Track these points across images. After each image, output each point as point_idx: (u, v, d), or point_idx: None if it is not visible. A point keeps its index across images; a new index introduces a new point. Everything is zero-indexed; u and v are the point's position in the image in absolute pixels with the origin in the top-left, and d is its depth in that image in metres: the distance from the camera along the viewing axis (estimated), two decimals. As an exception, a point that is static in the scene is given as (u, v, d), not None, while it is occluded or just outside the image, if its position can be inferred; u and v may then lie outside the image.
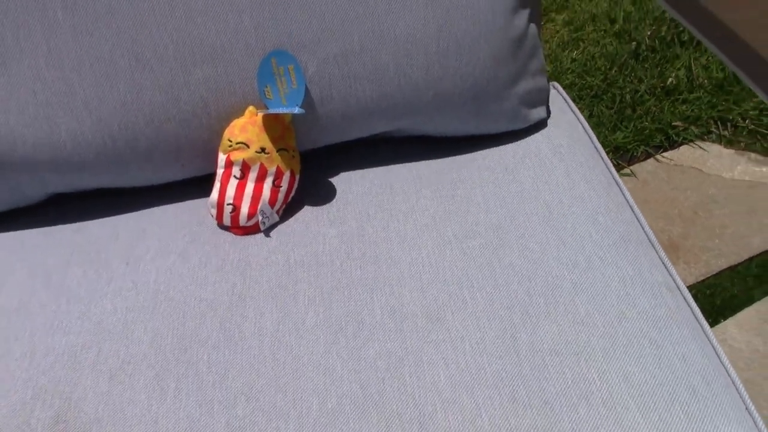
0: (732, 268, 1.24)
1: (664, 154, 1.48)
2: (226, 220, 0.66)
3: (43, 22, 0.61)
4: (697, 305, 0.61)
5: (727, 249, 1.27)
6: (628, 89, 1.62)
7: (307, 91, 0.65)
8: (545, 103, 0.77)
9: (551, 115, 0.79)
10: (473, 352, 0.55)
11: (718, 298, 1.19)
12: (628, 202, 0.69)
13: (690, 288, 1.20)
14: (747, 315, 1.16)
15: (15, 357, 0.58)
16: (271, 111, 0.64)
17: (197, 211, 0.69)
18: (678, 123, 1.53)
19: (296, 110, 0.62)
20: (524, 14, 0.70)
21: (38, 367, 0.57)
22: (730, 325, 1.15)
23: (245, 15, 0.62)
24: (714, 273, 1.23)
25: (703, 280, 1.22)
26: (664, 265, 0.63)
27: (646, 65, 1.69)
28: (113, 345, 0.58)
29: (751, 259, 1.25)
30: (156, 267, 0.64)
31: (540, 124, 0.77)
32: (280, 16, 0.62)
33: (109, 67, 0.62)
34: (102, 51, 0.62)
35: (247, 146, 0.64)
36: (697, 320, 0.59)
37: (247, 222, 0.66)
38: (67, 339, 0.59)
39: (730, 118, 1.52)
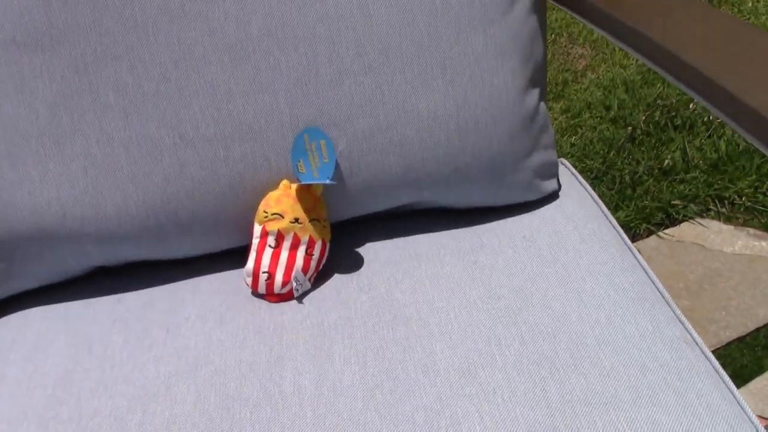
0: (740, 339, 1.26)
1: (666, 231, 1.53)
2: (261, 288, 0.70)
3: (95, 105, 0.66)
4: (715, 360, 0.63)
5: (734, 320, 1.30)
6: (627, 170, 1.69)
7: (337, 164, 0.69)
8: (556, 175, 0.82)
9: (562, 188, 0.84)
10: (506, 405, 0.58)
11: (728, 368, 1.21)
12: (640, 263, 0.72)
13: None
14: (759, 384, 1.17)
15: (63, 420, 0.60)
16: (304, 182, 0.68)
17: (232, 281, 0.73)
18: (677, 201, 1.59)
19: (327, 181, 0.67)
20: (535, 93, 0.75)
21: (85, 429, 0.59)
22: (742, 394, 1.17)
23: (280, 96, 0.67)
24: (723, 344, 1.26)
25: (713, 351, 1.24)
26: (680, 321, 0.66)
27: (642, 148, 1.77)
28: (158, 406, 0.60)
29: (758, 329, 1.27)
30: (195, 333, 0.67)
31: (552, 195, 0.82)
32: (312, 96, 0.68)
33: (154, 144, 0.67)
34: (149, 130, 0.67)
35: (282, 217, 0.68)
36: (717, 372, 0.62)
37: (281, 289, 0.69)
38: (112, 402, 0.61)
39: (727, 195, 1.58)
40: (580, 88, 2.03)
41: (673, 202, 1.59)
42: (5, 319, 0.74)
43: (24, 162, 0.66)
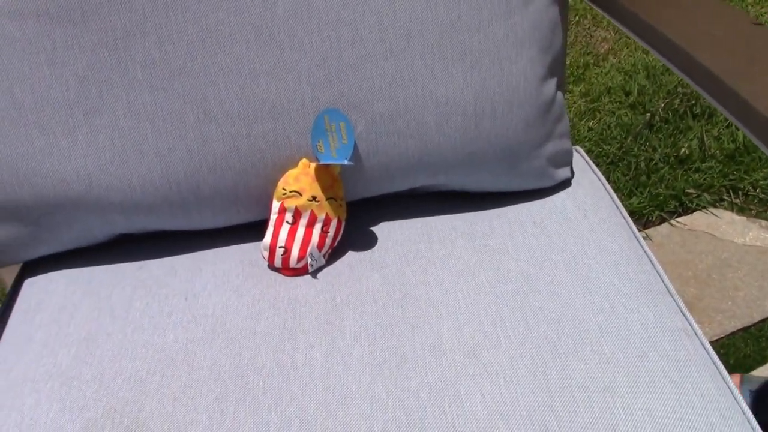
0: (745, 329, 1.28)
1: (678, 219, 1.54)
2: (277, 262, 0.72)
3: (123, 79, 0.68)
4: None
5: (740, 311, 1.31)
6: (642, 157, 1.69)
7: (355, 146, 0.71)
8: (569, 164, 0.84)
9: (575, 176, 0.85)
10: (507, 386, 0.60)
11: (731, 357, 1.23)
12: (647, 254, 0.74)
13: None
14: (760, 373, 1.19)
15: (85, 379, 0.63)
16: (323, 162, 0.70)
17: (250, 253, 0.75)
18: (691, 190, 1.60)
19: (345, 162, 0.69)
20: (552, 82, 0.77)
21: (107, 389, 0.62)
22: (744, 384, 1.19)
23: (303, 77, 0.69)
24: (728, 333, 1.27)
25: (717, 340, 1.26)
26: (683, 313, 0.68)
27: (660, 135, 1.77)
28: (176, 371, 0.63)
29: (763, 320, 1.29)
30: (213, 302, 0.70)
31: (565, 183, 0.83)
32: (334, 78, 0.70)
33: (179, 119, 0.69)
34: (174, 105, 0.69)
35: (300, 194, 0.71)
36: (714, 363, 0.64)
37: (296, 264, 0.72)
38: (133, 364, 0.64)
39: (741, 186, 1.59)
40: (601, 71, 2.03)
41: (687, 191, 1.60)
42: (32, 280, 0.77)
43: (53, 131, 0.69)
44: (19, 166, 0.69)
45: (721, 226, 1.50)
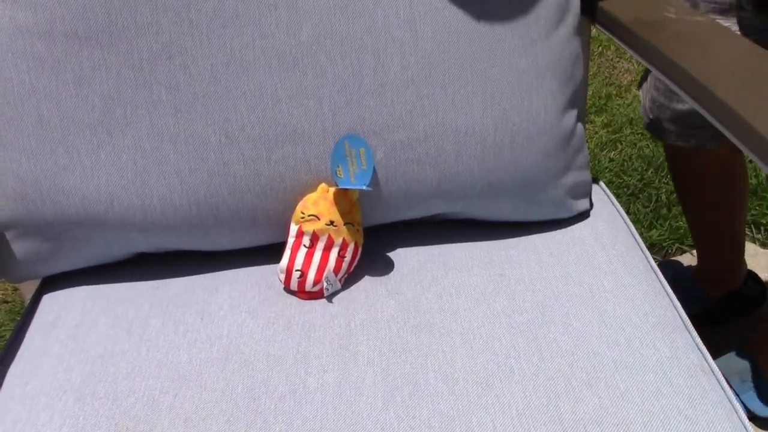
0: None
1: (699, 252, 1.52)
2: (293, 285, 0.73)
3: (148, 101, 0.69)
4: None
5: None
6: (664, 190, 1.68)
7: (374, 172, 0.72)
8: (588, 195, 0.84)
9: (593, 207, 0.85)
10: (520, 418, 0.60)
11: (751, 395, 1.21)
12: (665, 288, 0.74)
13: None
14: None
15: (99, 396, 0.64)
16: (342, 187, 0.71)
17: (266, 275, 0.76)
18: (712, 224, 1.58)
19: (364, 188, 0.69)
20: (573, 114, 0.77)
21: (120, 407, 0.63)
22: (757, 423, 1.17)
23: (324, 102, 0.70)
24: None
25: (736, 377, 1.24)
26: (699, 349, 0.67)
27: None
28: (188, 391, 0.64)
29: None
30: (228, 323, 0.70)
31: (583, 215, 0.83)
32: (355, 104, 0.70)
33: (201, 141, 0.70)
34: (196, 127, 0.70)
35: (318, 218, 0.71)
36: (730, 402, 0.63)
37: (312, 287, 0.72)
38: (146, 383, 0.65)
39: (764, 222, 1.57)
40: (624, 103, 2.03)
41: (708, 224, 1.59)
42: (50, 295, 0.78)
43: (77, 150, 0.70)
44: (43, 183, 0.71)
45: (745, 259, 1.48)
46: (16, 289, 1.51)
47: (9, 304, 1.48)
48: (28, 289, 0.89)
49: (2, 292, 1.51)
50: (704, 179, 1.17)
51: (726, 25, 0.92)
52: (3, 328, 1.42)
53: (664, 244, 1.55)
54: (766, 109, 0.55)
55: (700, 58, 0.64)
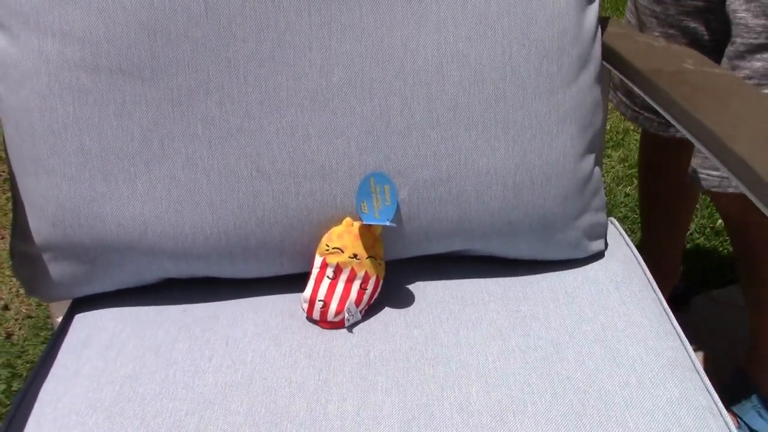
0: (775, 408, 1.27)
1: (714, 291, 1.54)
2: (316, 315, 0.75)
3: (184, 134, 0.73)
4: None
5: (771, 389, 1.30)
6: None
7: (398, 208, 0.75)
8: (604, 236, 0.86)
9: (608, 247, 0.88)
10: (532, 452, 0.62)
11: (761, 435, 1.22)
12: (676, 330, 0.76)
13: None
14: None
15: (128, 416, 0.67)
16: (366, 222, 0.74)
17: (289, 304, 0.79)
18: (726, 262, 1.59)
19: (387, 223, 0.72)
20: (591, 158, 0.80)
21: (148, 427, 0.65)
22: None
23: (352, 141, 0.73)
24: None
25: (746, 418, 1.25)
26: (708, 391, 0.69)
27: (696, 206, 1.78)
28: (213, 414, 0.66)
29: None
30: (252, 349, 0.73)
31: (598, 255, 0.85)
32: (381, 144, 0.73)
33: (233, 174, 0.73)
34: (229, 161, 0.73)
35: (342, 251, 0.74)
36: (737, 444, 0.65)
37: (334, 318, 0.75)
38: (173, 404, 0.67)
39: None
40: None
41: (722, 263, 1.60)
42: (81, 316, 0.81)
43: (115, 179, 0.73)
44: (81, 209, 0.74)
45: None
46: (39, 305, 1.55)
47: (33, 319, 1.52)
48: (56, 305, 0.92)
49: (26, 307, 1.55)
50: (669, 172, 1.26)
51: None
52: (26, 342, 1.46)
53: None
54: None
55: (719, 113, 0.66)
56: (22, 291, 1.59)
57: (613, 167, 1.94)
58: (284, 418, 0.66)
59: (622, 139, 2.06)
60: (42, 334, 1.47)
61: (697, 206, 1.78)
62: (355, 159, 0.73)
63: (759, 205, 0.59)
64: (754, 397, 1.21)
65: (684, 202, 1.31)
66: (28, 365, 1.40)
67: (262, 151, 0.73)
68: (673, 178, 1.26)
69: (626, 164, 1.94)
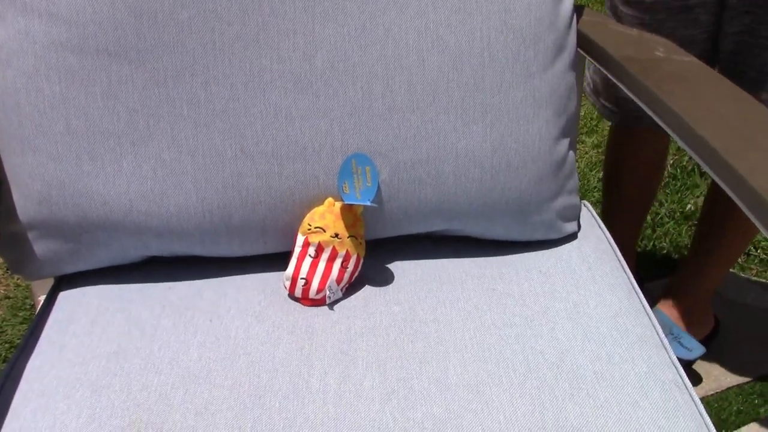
0: (740, 386, 1.32)
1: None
2: (298, 292, 0.77)
3: (170, 115, 0.74)
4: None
5: (737, 369, 1.35)
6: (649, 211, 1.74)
7: (378, 189, 0.77)
8: (577, 218, 0.89)
9: (581, 229, 0.91)
10: (507, 423, 0.65)
11: (724, 412, 1.27)
12: (645, 309, 0.79)
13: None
14: (750, 429, 1.23)
15: (114, 390, 0.68)
16: (348, 202, 0.76)
17: (272, 282, 0.81)
18: (695, 247, 1.63)
19: (368, 203, 0.74)
20: (565, 142, 0.82)
21: (134, 400, 0.67)
22: (734, 439, 1.22)
23: (335, 123, 0.75)
24: (722, 389, 1.31)
25: (712, 395, 1.30)
26: (675, 366, 0.72)
27: (667, 191, 1.82)
28: (198, 387, 0.68)
29: (758, 379, 1.32)
30: (235, 325, 0.75)
31: (572, 236, 0.88)
32: (363, 126, 0.75)
33: (218, 155, 0.75)
34: (214, 141, 0.75)
35: (324, 231, 0.76)
36: (701, 415, 0.68)
37: (316, 295, 0.77)
38: (159, 378, 0.69)
39: (744, 247, 1.62)
40: (614, 125, 2.08)
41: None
42: (66, 294, 0.82)
43: (102, 158, 0.74)
44: (67, 186, 0.75)
45: (724, 284, 1.54)
46: (18, 285, 1.55)
47: (11, 299, 1.52)
48: (38, 286, 0.93)
49: (4, 288, 1.55)
50: (637, 164, 1.31)
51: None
52: (5, 323, 1.46)
53: (647, 265, 1.61)
54: (747, 151, 0.60)
55: (688, 99, 0.69)
56: (0, 272, 1.59)
57: (586, 153, 1.98)
58: (268, 392, 0.68)
59: (596, 125, 2.10)
60: (20, 314, 1.48)
61: (667, 191, 1.82)
62: (338, 140, 0.75)
63: (723, 185, 0.61)
64: (673, 329, 1.31)
65: (649, 186, 1.35)
66: (7, 345, 1.40)
67: (247, 132, 0.75)
68: (642, 160, 1.30)
69: (599, 150, 1.98)
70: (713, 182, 1.27)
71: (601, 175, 1.88)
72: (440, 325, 0.74)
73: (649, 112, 0.72)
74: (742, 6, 1.00)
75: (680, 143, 0.68)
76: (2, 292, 1.54)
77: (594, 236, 0.89)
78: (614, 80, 0.79)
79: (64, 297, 0.82)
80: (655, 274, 1.57)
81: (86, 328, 0.76)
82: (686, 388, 0.71)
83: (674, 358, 0.74)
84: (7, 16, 0.71)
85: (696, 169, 1.87)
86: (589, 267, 0.83)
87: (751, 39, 1.01)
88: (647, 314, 0.79)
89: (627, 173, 1.33)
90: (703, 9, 1.04)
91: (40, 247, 0.79)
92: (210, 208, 0.76)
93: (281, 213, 0.77)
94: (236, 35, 0.73)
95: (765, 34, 1.00)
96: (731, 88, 0.72)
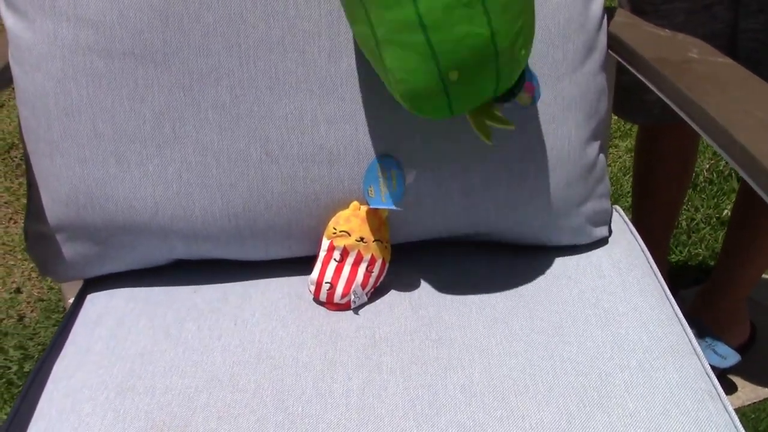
0: (777, 397, 1.28)
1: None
2: (322, 297, 0.77)
3: (196, 118, 0.74)
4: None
5: (773, 378, 1.31)
6: (684, 216, 1.71)
7: (404, 193, 0.76)
8: (608, 223, 0.87)
9: (612, 234, 0.89)
10: (533, 431, 0.63)
11: (762, 424, 1.23)
12: (677, 316, 0.77)
13: (735, 410, 1.24)
14: (789, 443, 1.19)
15: (139, 392, 0.68)
16: (373, 206, 0.75)
17: (297, 286, 0.80)
18: (731, 253, 1.60)
19: (393, 207, 0.74)
20: (595, 145, 0.81)
21: (158, 403, 0.67)
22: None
23: (360, 127, 0.74)
24: (760, 399, 1.28)
25: (749, 405, 1.27)
26: (708, 375, 0.70)
27: (703, 196, 1.78)
28: (221, 391, 0.68)
29: (796, 390, 1.29)
30: (260, 329, 0.74)
31: (602, 241, 0.87)
32: (388, 131, 0.75)
33: (243, 158, 0.75)
34: (239, 145, 0.74)
35: (349, 235, 0.75)
36: (735, 427, 0.66)
37: (340, 300, 0.76)
38: (182, 381, 0.69)
39: None
40: (649, 129, 2.05)
41: (727, 254, 1.61)
42: (93, 296, 0.83)
43: (128, 161, 0.75)
44: (93, 191, 0.76)
45: (761, 290, 1.50)
46: (51, 288, 1.57)
47: (45, 302, 1.54)
48: (68, 288, 0.94)
49: (38, 290, 1.57)
50: (665, 161, 1.28)
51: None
52: (38, 325, 1.48)
53: (683, 271, 1.58)
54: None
55: (720, 101, 0.67)
56: (34, 275, 1.61)
57: (620, 157, 1.95)
58: (291, 396, 0.67)
59: (630, 129, 2.06)
60: (53, 316, 1.49)
61: (703, 196, 1.78)
62: (363, 145, 0.75)
63: (759, 192, 0.60)
64: (707, 338, 1.27)
65: (679, 192, 1.33)
66: (39, 347, 1.42)
67: (272, 135, 0.74)
68: (671, 166, 1.27)
69: (633, 154, 1.94)
70: (742, 186, 1.25)
71: (632, 181, 1.85)
72: (465, 331, 0.73)
73: (683, 116, 0.70)
74: (755, 4, 0.98)
75: (716, 148, 0.66)
76: (36, 294, 1.56)
77: (625, 241, 0.87)
78: (646, 82, 0.77)
79: (91, 299, 0.83)
80: (691, 281, 1.54)
81: (112, 331, 0.77)
82: (719, 398, 0.69)
83: (707, 366, 0.72)
84: (36, 19, 0.72)
85: (733, 174, 1.83)
86: (620, 272, 0.81)
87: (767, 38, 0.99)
88: (680, 322, 0.77)
89: (656, 175, 1.30)
90: (721, 6, 1.01)
91: (68, 249, 0.80)
92: (235, 212, 0.76)
93: (306, 217, 0.77)
94: (261, 38, 0.73)
95: None
96: (762, 86, 0.70)
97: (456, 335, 0.73)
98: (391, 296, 0.78)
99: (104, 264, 0.82)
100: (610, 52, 0.84)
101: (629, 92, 1.14)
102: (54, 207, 0.77)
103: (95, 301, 0.82)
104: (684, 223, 1.69)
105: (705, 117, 0.67)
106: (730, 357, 1.25)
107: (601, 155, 0.83)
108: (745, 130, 0.63)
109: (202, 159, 0.75)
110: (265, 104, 0.74)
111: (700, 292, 1.33)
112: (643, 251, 0.87)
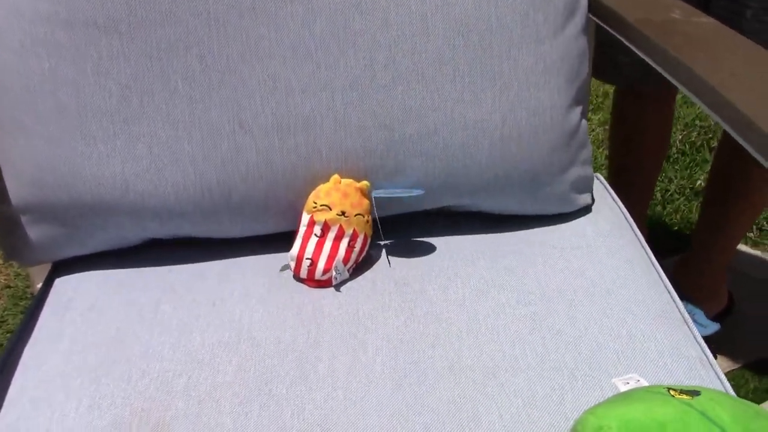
0: (755, 364, 1.29)
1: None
2: (303, 273, 0.74)
3: (164, 90, 0.70)
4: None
5: (752, 347, 1.32)
6: (659, 188, 1.70)
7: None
8: (590, 190, 0.86)
9: (595, 202, 0.87)
10: (524, 407, 0.61)
11: (740, 390, 1.24)
12: (664, 283, 0.76)
13: (715, 379, 1.25)
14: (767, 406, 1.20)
15: (114, 378, 0.65)
16: (382, 193, 0.73)
17: (276, 263, 0.77)
18: (707, 222, 1.60)
19: (414, 192, 0.73)
20: (577, 110, 0.79)
21: (135, 388, 0.64)
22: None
23: (337, 94, 0.72)
24: (738, 366, 1.28)
25: (728, 373, 1.27)
26: (698, 342, 0.69)
27: (676, 167, 1.78)
28: (202, 373, 0.65)
29: (774, 355, 1.30)
30: (240, 309, 0.72)
31: (585, 209, 0.85)
32: (366, 98, 0.72)
33: (215, 130, 0.71)
34: (211, 116, 0.71)
35: (330, 209, 0.73)
36: (727, 392, 0.65)
37: (321, 276, 0.74)
38: (160, 365, 0.66)
39: (756, 221, 1.59)
40: (621, 100, 2.04)
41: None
42: (63, 279, 0.80)
43: (94, 137, 0.71)
44: (59, 169, 0.72)
45: (736, 258, 1.51)
46: (18, 274, 1.52)
47: (12, 289, 1.49)
48: (36, 272, 0.90)
49: (5, 277, 1.52)
50: (645, 133, 1.27)
51: None
52: (6, 312, 1.43)
53: (659, 242, 1.58)
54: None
55: (708, 61, 0.65)
56: (-1, 261, 1.56)
57: (593, 130, 1.94)
58: (274, 377, 0.65)
59: (602, 102, 2.05)
60: (21, 303, 1.45)
61: (677, 167, 1.78)
62: (340, 113, 0.72)
63: (749, 149, 0.58)
64: (687, 306, 1.27)
65: (656, 163, 1.32)
66: (8, 335, 1.38)
67: (244, 105, 0.71)
68: (650, 138, 1.27)
69: (606, 127, 1.94)
70: (714, 163, 1.25)
71: (608, 153, 1.84)
72: (452, 305, 0.71)
73: (669, 77, 0.69)
74: None
75: (704, 108, 0.64)
76: (3, 281, 1.51)
77: (608, 209, 0.86)
78: (628, 44, 0.75)
79: (61, 283, 0.79)
80: (667, 251, 1.54)
81: (84, 315, 0.73)
82: (710, 365, 0.68)
83: (696, 333, 0.71)
84: (-10, -12, 0.68)
85: (706, 145, 1.84)
86: (605, 240, 0.80)
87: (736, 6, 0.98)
88: (666, 289, 0.76)
89: (635, 147, 1.29)
90: None
91: (35, 231, 0.76)
92: (209, 186, 0.73)
93: (283, 189, 0.74)
94: (230, 4, 0.69)
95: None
96: (753, 48, 0.68)
97: (441, 310, 0.70)
98: (374, 272, 0.76)
99: (73, 246, 0.78)
100: (590, 15, 0.82)
101: (604, 53, 1.12)
102: (18, 188, 0.73)
103: (65, 284, 0.79)
104: (658, 195, 1.69)
105: (693, 77, 0.65)
106: (710, 326, 1.25)
107: (584, 121, 0.81)
108: (733, 89, 0.62)
109: (172, 132, 0.71)
110: (237, 73, 0.70)
111: (679, 262, 1.33)
112: (626, 218, 0.85)
